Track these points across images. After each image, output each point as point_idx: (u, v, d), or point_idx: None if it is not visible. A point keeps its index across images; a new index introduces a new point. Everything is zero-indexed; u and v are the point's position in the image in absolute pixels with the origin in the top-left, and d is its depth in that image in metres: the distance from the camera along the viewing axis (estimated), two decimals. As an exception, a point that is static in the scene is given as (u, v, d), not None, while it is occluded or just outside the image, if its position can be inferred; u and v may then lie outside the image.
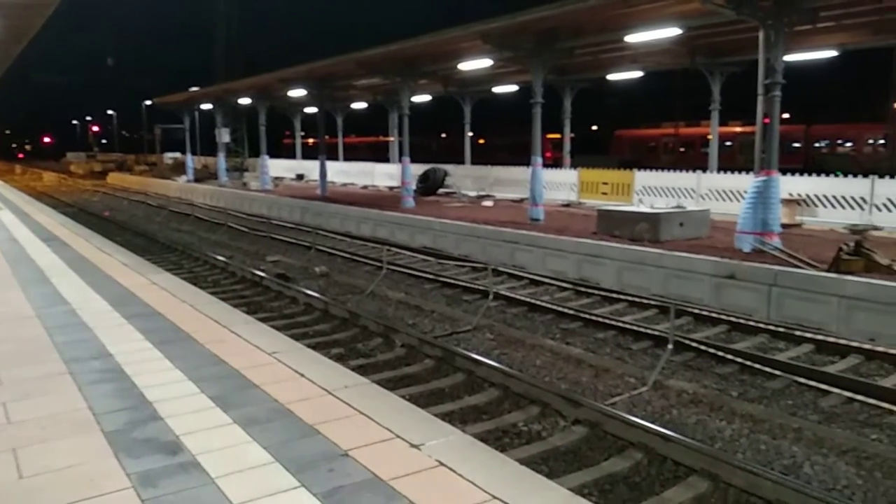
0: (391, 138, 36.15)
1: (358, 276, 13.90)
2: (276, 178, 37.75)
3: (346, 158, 41.54)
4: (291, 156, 45.95)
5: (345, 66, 22.90)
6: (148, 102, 54.60)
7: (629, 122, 49.90)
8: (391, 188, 30.43)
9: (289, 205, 25.82)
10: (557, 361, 8.42)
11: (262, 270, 13.73)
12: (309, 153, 43.77)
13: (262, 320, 8.36)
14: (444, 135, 58.81)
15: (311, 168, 37.95)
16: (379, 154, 44.18)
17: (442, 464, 3.56)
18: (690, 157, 37.27)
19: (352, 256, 16.06)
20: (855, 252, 10.49)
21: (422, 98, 30.88)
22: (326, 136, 29.50)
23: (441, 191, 27.53)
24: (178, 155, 52.11)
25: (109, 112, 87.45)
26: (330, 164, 30.14)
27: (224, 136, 37.70)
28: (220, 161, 38.23)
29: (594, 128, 56.67)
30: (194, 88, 38.16)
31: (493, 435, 6.21)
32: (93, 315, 6.68)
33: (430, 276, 13.39)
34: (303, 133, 46.74)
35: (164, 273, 9.50)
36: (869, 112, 38.43)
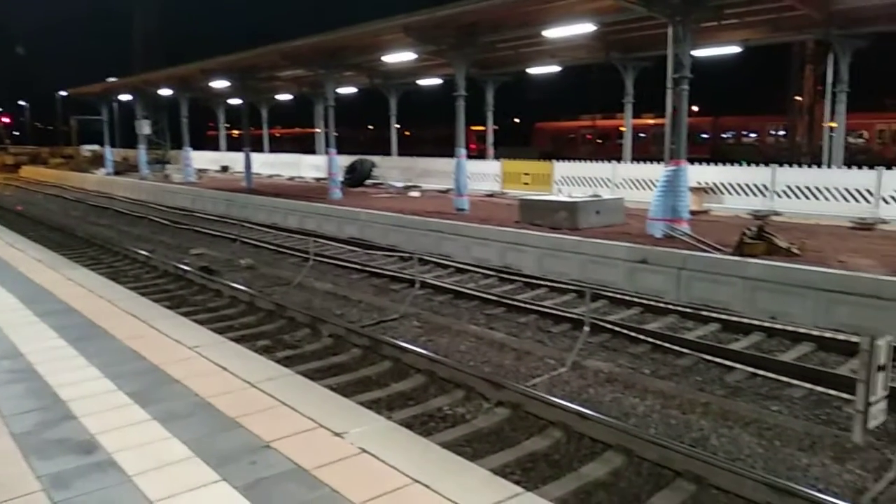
0: (317, 130, 35.74)
1: (284, 268, 13.78)
2: (200, 171, 36.75)
3: (273, 150, 40.83)
4: (216, 148, 44.81)
5: (268, 57, 22.52)
6: (63, 93, 51.76)
7: (550, 114, 50.97)
8: (318, 179, 30.11)
9: (213, 197, 25.21)
10: (481, 346, 8.66)
11: (186, 264, 13.43)
12: (234, 145, 42.75)
13: (185, 314, 8.26)
14: (371, 126, 58.51)
15: (236, 160, 37.11)
16: (306, 146, 43.58)
17: (364, 451, 3.66)
18: (608, 149, 38.48)
19: (278, 248, 15.89)
20: (757, 236, 11.17)
21: (348, 90, 30.68)
22: (252, 128, 28.90)
23: (368, 182, 27.49)
24: (96, 147, 49.73)
25: (21, 103, 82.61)
26: (255, 156, 29.57)
27: (144, 127, 36.42)
28: (141, 153, 36.91)
29: (517, 120, 57.55)
30: (112, 79, 36.61)
31: (419, 420, 6.36)
32: (1, 313, 6.44)
33: (358, 267, 13.43)
34: (227, 125, 45.62)
35: (81, 269, 9.21)
36: (771, 105, 40.53)
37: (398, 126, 30.88)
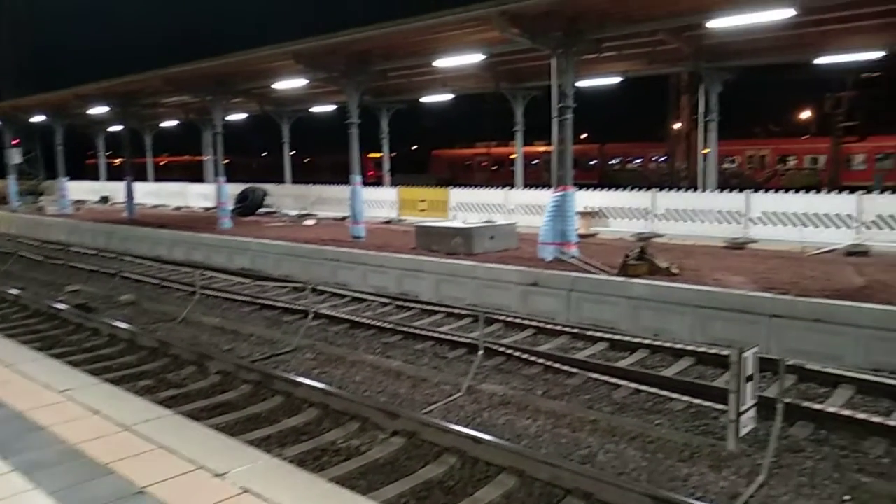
0: (206, 157, 34.62)
1: (169, 303, 13.15)
2: (79, 202, 34.63)
3: (160, 179, 39.13)
4: (96, 177, 42.37)
5: (150, 83, 21.64)
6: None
7: (446, 141, 51.92)
8: (207, 209, 29.09)
9: (91, 229, 23.80)
10: (377, 375, 8.57)
11: (60, 302, 12.55)
12: (116, 174, 40.63)
13: (58, 356, 7.71)
14: (265, 153, 57.38)
15: (117, 189, 35.17)
16: (194, 174, 42.11)
17: (247, 490, 3.53)
18: (503, 175, 39.51)
19: (162, 282, 15.15)
20: (639, 257, 11.73)
21: (238, 116, 29.98)
22: (135, 156, 27.60)
23: (261, 211, 26.83)
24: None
25: None
26: (139, 185, 28.23)
27: (15, 157, 33.98)
28: (12, 184, 34.38)
29: (414, 147, 58.21)
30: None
31: (312, 455, 6.19)
32: None
33: (249, 299, 13.03)
34: (109, 152, 43.31)
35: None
36: (653, 132, 43.08)
37: (293, 152, 30.44)
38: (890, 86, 37.35)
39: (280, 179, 29.90)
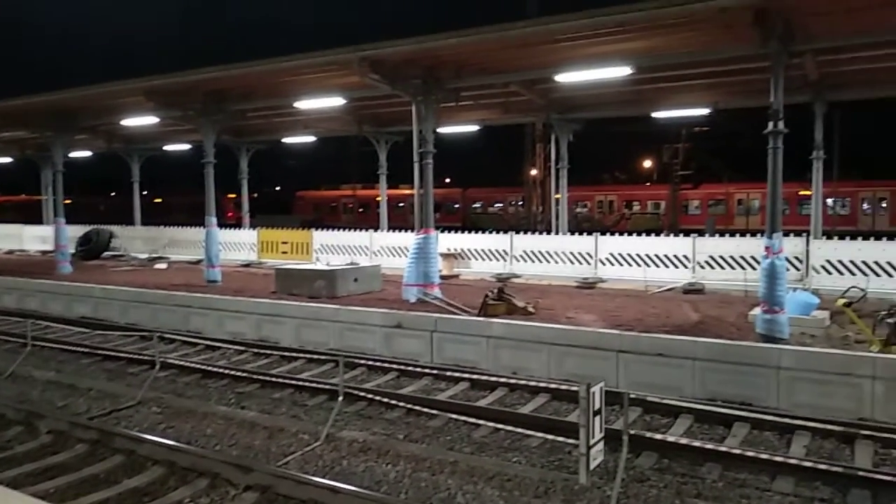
0: (44, 197, 31.95)
1: (-6, 358, 11.83)
2: None
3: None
4: None
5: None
6: None
7: (312, 182, 51.42)
8: (45, 252, 26.73)
9: None
10: (230, 428, 8.12)
11: None
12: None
13: None
14: (114, 193, 54.01)
15: (-66, 233, 31.68)
16: (31, 215, 38.68)
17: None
18: (369, 217, 39.64)
19: (-13, 335, 13.62)
20: (498, 298, 12.09)
21: (83, 153, 28.01)
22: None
23: (107, 254, 25.06)
24: None
25: None
26: (-38, 228, 25.42)
27: None
28: None
29: (278, 188, 57.14)
30: None
31: (155, 518, 5.72)
32: None
33: (88, 350, 11.98)
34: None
35: None
36: (513, 177, 45.08)
37: (144, 192, 28.85)
38: (717, 139, 41.64)
39: (129, 221, 28.21)
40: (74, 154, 26.77)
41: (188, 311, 14.18)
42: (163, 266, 21.72)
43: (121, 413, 8.74)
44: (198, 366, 10.72)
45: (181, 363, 10.81)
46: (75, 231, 23.37)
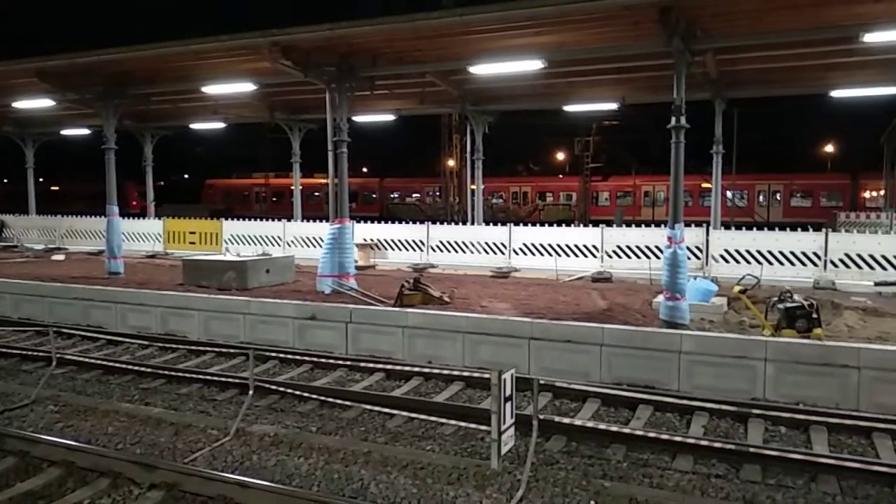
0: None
1: None
2: None
3: None
4: None
5: None
6: None
7: (222, 170, 49.85)
8: (-75, 244, 24.78)
9: None
10: (134, 425, 7.79)
11: None
12: None
13: None
14: (6, 180, 50.66)
15: None
16: None
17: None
18: (283, 206, 38.80)
19: None
20: (414, 288, 12.10)
21: (-32, 136, 26.10)
22: None
23: (-2, 245, 23.50)
24: None
25: None
26: None
27: None
28: None
29: (186, 176, 55.06)
30: None
31: (50, 522, 5.43)
32: None
33: (-25, 348, 11.22)
34: None
35: None
36: (430, 168, 45.21)
37: (42, 180, 27.17)
38: (625, 133, 43.22)
39: (23, 210, 26.53)
40: (-41, 137, 24.94)
41: (88, 305, 13.48)
42: (60, 257, 20.55)
43: (13, 413, 8.22)
44: (99, 362, 10.20)
45: (80, 359, 10.26)
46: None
